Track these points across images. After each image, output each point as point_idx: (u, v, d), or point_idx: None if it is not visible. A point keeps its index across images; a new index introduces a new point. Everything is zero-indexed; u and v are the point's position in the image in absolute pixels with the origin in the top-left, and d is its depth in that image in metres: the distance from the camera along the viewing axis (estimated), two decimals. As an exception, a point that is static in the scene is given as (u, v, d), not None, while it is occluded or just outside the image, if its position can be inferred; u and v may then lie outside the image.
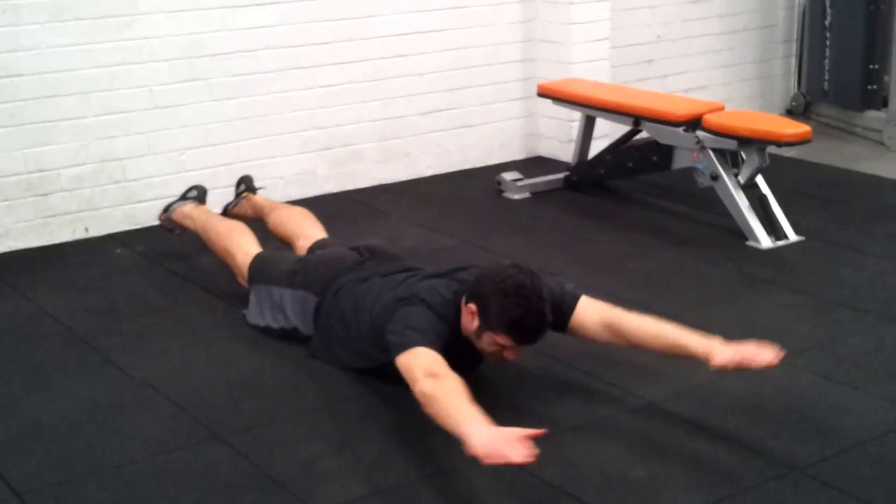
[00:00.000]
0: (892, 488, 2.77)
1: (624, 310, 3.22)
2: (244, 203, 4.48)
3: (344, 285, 3.51)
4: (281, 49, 5.20)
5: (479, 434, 2.59)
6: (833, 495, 2.75)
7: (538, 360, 3.55)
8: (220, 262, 4.24)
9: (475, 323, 3.10)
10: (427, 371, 2.89)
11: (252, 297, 3.79)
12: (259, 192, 4.56)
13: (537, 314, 3.05)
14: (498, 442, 2.54)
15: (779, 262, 4.44)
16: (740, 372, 3.00)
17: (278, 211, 4.32)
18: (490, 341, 3.10)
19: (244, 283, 3.88)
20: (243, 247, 3.93)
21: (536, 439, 2.54)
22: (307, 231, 4.08)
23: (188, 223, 4.32)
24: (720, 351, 2.97)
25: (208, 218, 4.25)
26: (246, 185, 4.56)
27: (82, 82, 4.73)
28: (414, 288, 3.25)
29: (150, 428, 3.16)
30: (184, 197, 4.46)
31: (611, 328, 3.19)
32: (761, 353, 2.93)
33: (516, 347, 3.10)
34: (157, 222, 4.60)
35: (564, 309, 3.21)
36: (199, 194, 4.46)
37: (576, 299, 3.24)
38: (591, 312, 3.23)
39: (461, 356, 3.06)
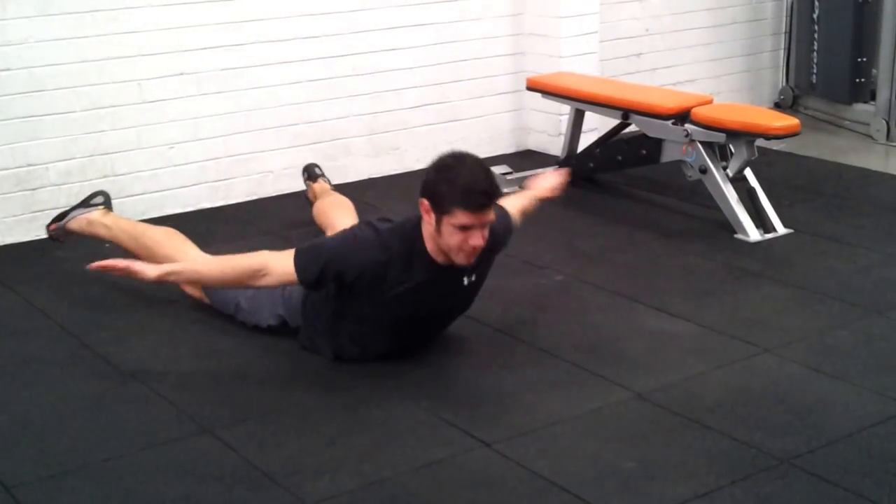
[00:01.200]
0: (879, 479, 2.79)
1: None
2: (309, 192, 4.66)
3: None
4: (269, 43, 5.19)
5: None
6: (821, 486, 2.76)
7: (527, 352, 3.56)
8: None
9: (432, 218, 3.17)
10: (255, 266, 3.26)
11: (230, 299, 3.72)
12: (321, 180, 4.66)
13: (481, 173, 3.16)
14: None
15: (767, 254, 4.46)
16: (726, 365, 3.01)
17: (321, 199, 4.46)
18: (450, 230, 3.15)
19: (195, 291, 3.83)
20: (189, 253, 3.84)
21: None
22: (341, 222, 4.05)
23: (98, 231, 4.14)
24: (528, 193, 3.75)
25: (134, 225, 4.14)
26: (308, 173, 4.72)
27: (70, 76, 4.72)
28: (375, 223, 3.39)
29: (139, 422, 3.16)
30: (86, 204, 4.26)
31: (522, 213, 3.74)
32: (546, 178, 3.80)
33: (476, 224, 3.14)
34: (153, 213, 4.56)
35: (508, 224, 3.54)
36: (105, 200, 4.27)
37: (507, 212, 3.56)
38: (513, 211, 3.65)
39: (441, 290, 3.16)
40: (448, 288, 3.33)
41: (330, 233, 3.96)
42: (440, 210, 3.14)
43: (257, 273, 3.30)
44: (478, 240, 3.16)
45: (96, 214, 4.20)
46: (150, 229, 4.08)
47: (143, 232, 4.04)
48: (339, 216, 4.15)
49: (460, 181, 3.12)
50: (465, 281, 3.36)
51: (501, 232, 3.45)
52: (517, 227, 3.66)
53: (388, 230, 3.30)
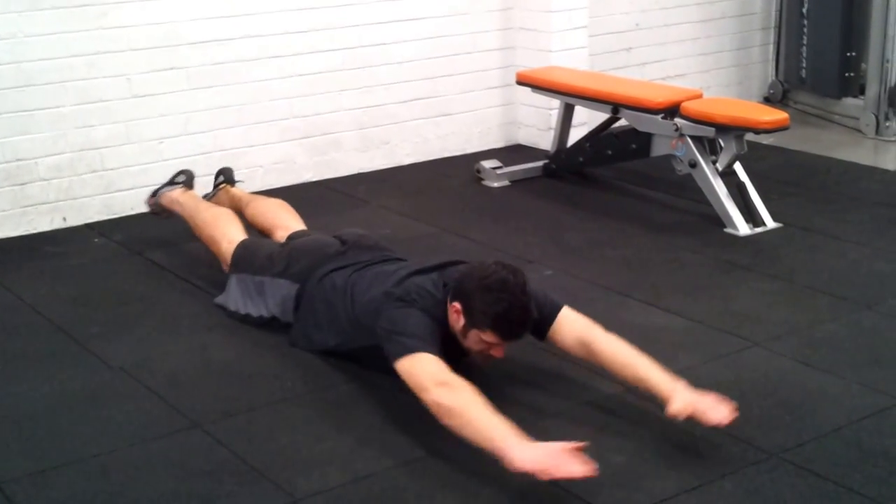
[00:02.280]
0: (868, 473, 2.80)
1: (604, 330, 3.18)
2: (221, 194, 4.46)
3: (328, 273, 3.51)
4: (259, 37, 5.18)
5: (521, 450, 2.65)
6: (810, 480, 2.77)
7: (518, 347, 3.55)
8: (200, 250, 4.24)
9: (461, 321, 3.10)
10: (437, 380, 2.89)
11: (233, 285, 3.78)
12: (238, 184, 4.54)
13: (521, 308, 3.04)
14: (550, 457, 2.61)
15: (756, 248, 4.47)
16: (715, 359, 3.01)
17: (256, 202, 4.30)
18: (476, 339, 3.10)
19: (227, 270, 3.87)
20: (228, 235, 3.93)
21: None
22: (285, 222, 4.08)
23: (176, 208, 4.32)
24: (679, 398, 2.90)
25: (196, 205, 4.25)
26: (225, 176, 4.53)
27: (59, 71, 4.70)
28: (406, 285, 3.22)
29: (128, 416, 3.16)
30: (171, 182, 4.46)
31: (586, 347, 3.16)
32: (716, 410, 2.85)
33: (503, 344, 3.10)
34: (142, 209, 4.57)
35: (546, 316, 3.20)
36: (186, 179, 4.44)
37: (558, 309, 3.23)
38: (570, 326, 3.21)
39: (449, 353, 3.06)
40: (457, 351, 3.22)
41: (280, 233, 3.98)
42: (473, 322, 3.07)
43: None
44: (500, 353, 3.13)
45: (177, 192, 4.36)
46: (205, 210, 4.18)
47: (199, 211, 4.18)
48: (284, 217, 4.13)
49: (499, 308, 3.01)
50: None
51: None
52: (547, 340, 3.29)
53: (422, 309, 3.15)
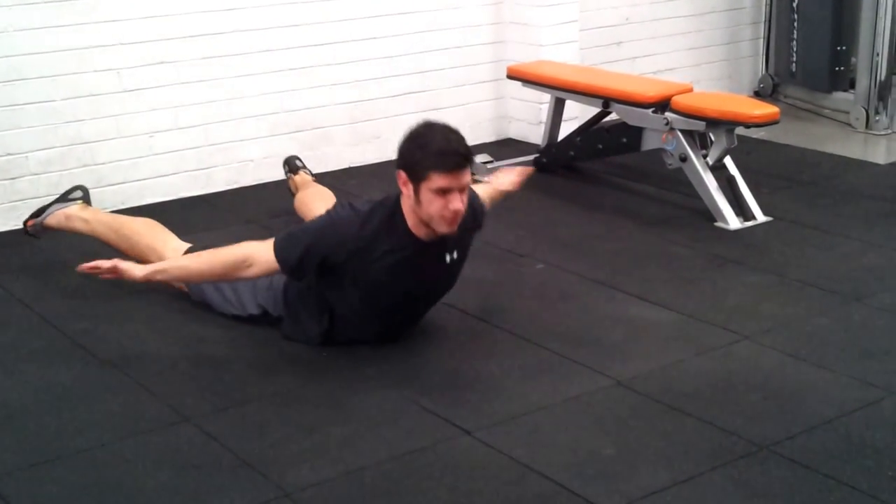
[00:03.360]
0: (858, 465, 2.81)
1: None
2: (291, 184, 4.65)
3: None
4: (250, 31, 5.17)
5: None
6: (800, 472, 2.78)
7: (508, 340, 3.57)
8: (202, 244, 4.22)
9: (410, 188, 3.19)
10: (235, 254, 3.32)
11: (212, 290, 3.71)
12: (301, 172, 4.67)
13: (453, 135, 3.19)
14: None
15: (747, 242, 4.48)
16: (705, 353, 3.01)
17: (303, 190, 4.46)
18: (428, 197, 3.17)
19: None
20: (169, 242, 3.86)
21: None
22: (317, 211, 4.04)
23: (77, 225, 4.12)
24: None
25: (113, 217, 4.15)
26: (288, 166, 4.72)
27: (50, 65, 4.68)
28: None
29: (118, 411, 3.15)
30: (64, 199, 4.25)
31: (491, 200, 3.81)
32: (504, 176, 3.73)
33: (452, 186, 3.15)
34: (133, 202, 4.55)
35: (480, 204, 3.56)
36: (84, 195, 4.26)
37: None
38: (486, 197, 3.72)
39: (424, 267, 3.19)
40: (431, 265, 3.34)
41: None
42: (417, 177, 3.17)
43: (242, 265, 3.33)
44: (457, 203, 3.18)
45: (74, 209, 4.18)
46: (129, 221, 4.07)
47: (122, 224, 4.03)
48: (319, 206, 4.14)
49: (433, 145, 3.16)
50: (448, 258, 3.37)
51: (477, 209, 3.49)
52: (488, 211, 3.71)
53: (366, 209, 3.33)
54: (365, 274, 3.28)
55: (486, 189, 3.86)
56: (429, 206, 3.18)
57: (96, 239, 4.04)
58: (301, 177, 4.64)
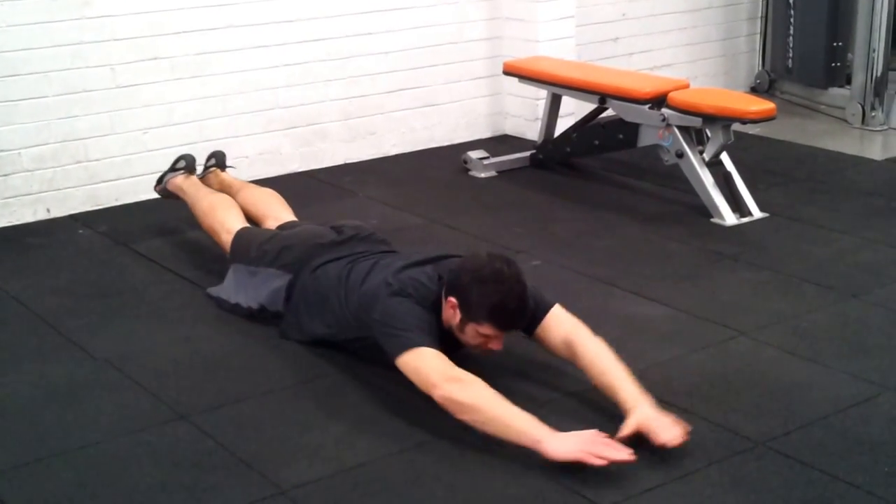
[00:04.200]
0: (854, 461, 2.80)
1: (591, 333, 3.16)
2: (211, 177, 4.45)
3: (323, 264, 3.50)
4: (244, 27, 5.16)
5: (556, 441, 2.75)
6: (796, 468, 2.77)
7: (506, 338, 3.55)
8: (186, 241, 4.23)
9: (457, 316, 3.09)
10: (446, 375, 2.90)
11: (230, 275, 3.78)
12: (228, 170, 4.53)
13: (517, 298, 3.04)
14: (586, 445, 2.73)
15: (743, 238, 4.47)
16: (702, 349, 3.00)
17: (247, 191, 4.29)
18: (473, 333, 3.09)
19: (225, 237, 3.89)
20: (226, 224, 3.92)
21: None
22: (276, 213, 4.07)
23: (181, 195, 4.32)
24: (635, 416, 2.86)
25: (195, 192, 4.23)
26: (217, 160, 4.53)
27: (43, 61, 4.67)
28: (401, 277, 3.20)
29: (114, 409, 3.14)
30: (173, 168, 4.43)
31: (569, 348, 3.15)
32: (668, 430, 2.81)
33: (500, 336, 3.09)
34: (127, 199, 4.52)
35: (537, 314, 3.19)
36: (187, 165, 4.41)
37: (549, 307, 3.21)
38: (558, 325, 3.19)
39: (444, 347, 3.05)
40: (453, 345, 3.20)
41: (270, 223, 3.98)
42: (469, 317, 3.06)
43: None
44: (498, 346, 3.12)
45: (179, 178, 4.35)
46: (204, 198, 4.15)
47: (198, 200, 4.15)
48: (276, 207, 4.13)
49: (495, 299, 3.00)
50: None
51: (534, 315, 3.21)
52: (534, 338, 3.27)
53: (418, 302, 3.14)
54: None
55: (587, 346, 3.17)
56: (469, 339, 3.11)
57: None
58: (228, 175, 4.49)
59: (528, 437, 2.75)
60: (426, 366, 2.94)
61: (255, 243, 3.73)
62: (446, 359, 2.96)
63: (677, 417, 2.89)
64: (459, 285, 3.07)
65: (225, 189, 4.35)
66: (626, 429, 2.85)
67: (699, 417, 3.02)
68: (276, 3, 5.22)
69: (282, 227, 3.91)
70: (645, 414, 2.87)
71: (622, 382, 2.99)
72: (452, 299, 3.08)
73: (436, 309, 3.14)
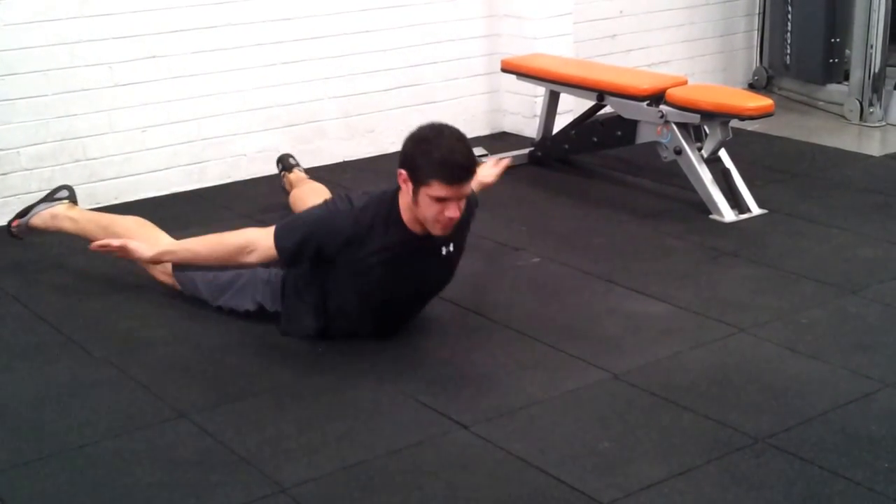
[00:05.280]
0: (854, 457, 2.81)
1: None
2: (285, 182, 4.63)
3: None
4: (242, 25, 5.15)
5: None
6: (796, 464, 2.78)
7: (504, 333, 3.56)
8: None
9: (409, 188, 3.17)
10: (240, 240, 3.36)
11: (203, 285, 3.71)
12: (295, 170, 4.64)
13: (459, 148, 3.15)
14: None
15: (742, 235, 4.47)
16: (701, 345, 3.01)
17: (297, 188, 4.45)
18: (427, 201, 3.16)
19: (167, 278, 3.80)
20: (161, 240, 3.81)
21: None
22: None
23: (64, 224, 4.08)
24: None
25: (101, 216, 4.12)
26: (282, 164, 4.70)
27: (41, 60, 4.67)
28: (350, 194, 3.39)
29: (113, 407, 3.14)
30: (50, 199, 4.20)
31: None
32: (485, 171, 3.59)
33: (451, 196, 3.15)
34: (126, 198, 4.52)
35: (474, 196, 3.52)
36: (70, 194, 4.22)
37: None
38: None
39: (420, 260, 3.18)
40: (427, 259, 3.34)
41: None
42: (418, 181, 3.16)
43: (244, 250, 3.38)
44: (454, 211, 3.18)
45: (61, 208, 4.14)
46: (119, 219, 4.03)
47: (112, 222, 4.00)
48: (314, 202, 4.11)
49: (438, 154, 3.13)
50: (444, 251, 3.37)
51: (471, 201, 3.45)
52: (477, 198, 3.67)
53: (363, 201, 3.33)
54: (359, 266, 3.28)
55: None
56: (426, 210, 3.19)
57: (85, 238, 3.97)
58: (295, 174, 4.63)
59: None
60: (251, 234, 3.40)
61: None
62: (249, 234, 3.40)
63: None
64: (405, 153, 3.22)
65: (294, 184, 4.51)
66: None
67: (698, 414, 3.02)
68: (275, 1, 5.22)
69: None
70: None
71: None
72: (402, 171, 3.20)
73: (393, 212, 3.27)
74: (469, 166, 3.18)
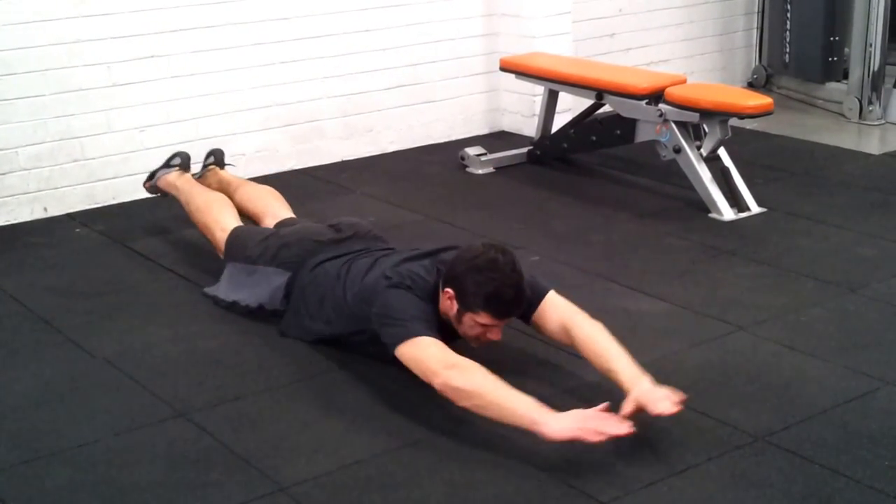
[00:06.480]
0: (854, 455, 2.80)
1: (588, 317, 3.16)
2: (209, 175, 4.44)
3: (322, 262, 3.49)
4: (241, 25, 5.15)
5: (554, 421, 2.73)
6: (796, 462, 2.77)
7: (504, 331, 3.55)
8: (183, 240, 4.22)
9: (454, 307, 3.10)
10: (445, 363, 2.90)
11: (225, 273, 3.78)
12: (227, 168, 4.52)
13: (512, 286, 3.05)
14: (584, 422, 2.72)
15: (741, 233, 4.47)
16: (701, 344, 3.00)
17: (245, 188, 4.29)
18: (471, 323, 3.09)
19: (223, 258, 3.86)
20: (221, 222, 3.91)
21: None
22: (274, 210, 4.07)
23: (173, 192, 4.30)
24: (634, 393, 2.87)
25: (190, 190, 4.21)
26: (215, 158, 4.52)
27: (39, 60, 4.66)
28: (399, 270, 3.21)
29: (113, 406, 3.14)
30: (167, 164, 4.41)
31: (567, 332, 3.15)
32: (661, 402, 2.82)
33: (497, 325, 3.10)
34: (124, 198, 4.51)
35: (532, 299, 3.19)
36: (182, 162, 4.38)
37: (544, 292, 3.22)
38: (554, 310, 3.20)
39: (443, 339, 3.05)
40: (450, 336, 3.21)
41: (269, 220, 3.99)
42: (466, 306, 3.07)
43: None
44: (496, 335, 3.12)
45: (172, 176, 4.32)
46: (198, 195, 4.13)
47: (192, 197, 4.13)
48: (274, 204, 4.12)
49: (492, 287, 3.01)
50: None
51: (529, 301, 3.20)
52: (531, 323, 3.27)
53: (417, 294, 3.15)
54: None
55: (583, 327, 3.17)
56: (468, 329, 3.12)
57: (187, 203, 4.16)
58: (226, 173, 4.46)
59: (527, 420, 2.75)
60: (425, 354, 2.95)
61: (252, 242, 3.72)
62: (445, 346, 2.97)
63: (672, 390, 2.89)
64: (455, 276, 3.08)
65: (223, 187, 4.33)
66: (627, 406, 2.85)
67: (698, 412, 3.02)
68: (273, 1, 5.22)
69: (280, 225, 3.91)
70: (642, 389, 2.88)
71: (620, 363, 2.99)
72: (449, 290, 3.09)
73: (434, 300, 3.15)
74: (520, 305, 3.10)
